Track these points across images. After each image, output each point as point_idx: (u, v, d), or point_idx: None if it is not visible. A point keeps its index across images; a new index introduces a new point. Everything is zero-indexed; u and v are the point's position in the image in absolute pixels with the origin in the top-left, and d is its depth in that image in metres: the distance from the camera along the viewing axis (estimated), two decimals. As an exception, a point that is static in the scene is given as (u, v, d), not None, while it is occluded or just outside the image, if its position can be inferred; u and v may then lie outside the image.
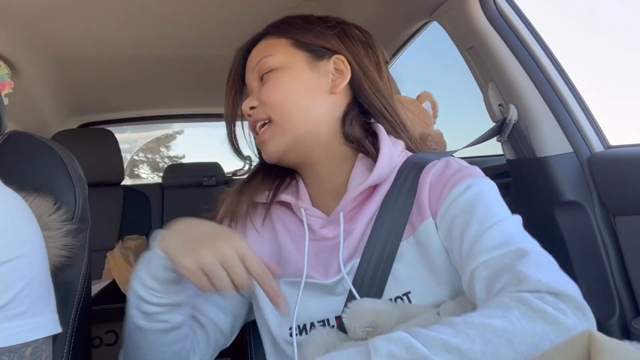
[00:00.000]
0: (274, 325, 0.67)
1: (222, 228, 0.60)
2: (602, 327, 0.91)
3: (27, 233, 0.58)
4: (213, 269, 0.52)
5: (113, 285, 1.57)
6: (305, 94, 0.69)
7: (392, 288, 0.61)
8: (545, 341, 0.41)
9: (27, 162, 0.75)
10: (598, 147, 0.95)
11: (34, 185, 0.70)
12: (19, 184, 0.63)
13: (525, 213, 1.09)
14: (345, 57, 0.71)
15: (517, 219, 0.59)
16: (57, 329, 0.58)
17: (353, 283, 0.63)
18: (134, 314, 0.61)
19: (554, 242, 0.99)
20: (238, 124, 0.79)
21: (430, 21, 1.23)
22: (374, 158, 0.67)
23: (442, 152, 0.77)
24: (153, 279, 0.59)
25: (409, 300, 0.60)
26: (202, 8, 1.27)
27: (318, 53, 0.71)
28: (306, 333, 0.64)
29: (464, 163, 0.66)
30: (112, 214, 1.96)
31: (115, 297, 1.53)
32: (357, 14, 1.31)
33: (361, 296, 0.61)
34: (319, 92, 0.69)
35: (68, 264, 0.71)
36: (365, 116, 0.71)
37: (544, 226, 1.02)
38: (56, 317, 0.59)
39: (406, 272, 0.61)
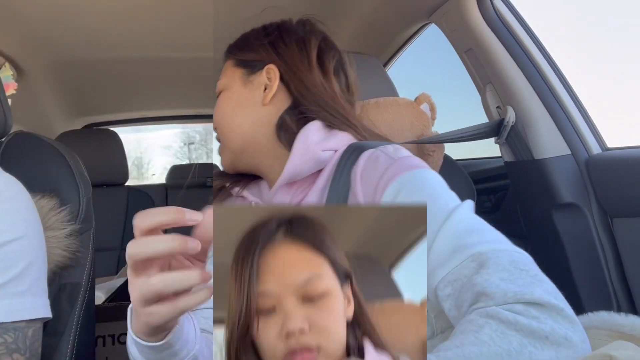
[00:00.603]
0: None
1: None
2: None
3: (28, 216, 0.61)
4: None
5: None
6: (238, 111, 0.71)
7: None
8: (523, 355, 0.39)
9: (32, 162, 0.76)
10: (596, 149, 0.95)
11: (38, 185, 0.71)
12: (24, 184, 0.65)
13: (523, 215, 1.11)
14: (276, 64, 0.71)
15: (464, 208, 0.53)
16: (49, 313, 0.61)
17: None
18: None
19: (552, 244, 1.00)
20: None
21: (428, 23, 1.24)
22: None
23: (388, 141, 0.72)
24: None
25: None
26: (204, 11, 1.29)
27: (252, 67, 0.72)
28: None
29: (400, 153, 0.61)
30: (115, 214, 1.97)
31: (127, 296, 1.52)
32: (355, 17, 1.32)
33: None
34: (251, 106, 0.71)
35: (72, 264, 0.73)
36: (305, 116, 0.69)
37: (541, 228, 1.02)
38: (48, 302, 0.62)
39: None
